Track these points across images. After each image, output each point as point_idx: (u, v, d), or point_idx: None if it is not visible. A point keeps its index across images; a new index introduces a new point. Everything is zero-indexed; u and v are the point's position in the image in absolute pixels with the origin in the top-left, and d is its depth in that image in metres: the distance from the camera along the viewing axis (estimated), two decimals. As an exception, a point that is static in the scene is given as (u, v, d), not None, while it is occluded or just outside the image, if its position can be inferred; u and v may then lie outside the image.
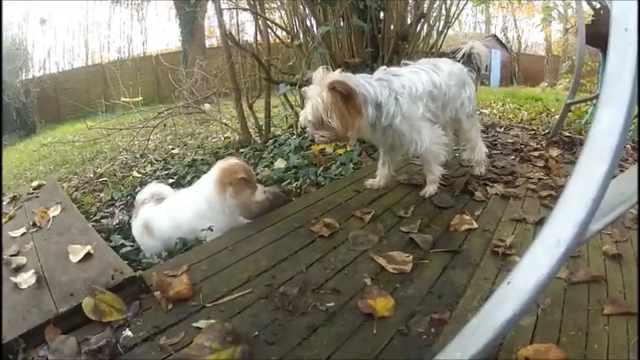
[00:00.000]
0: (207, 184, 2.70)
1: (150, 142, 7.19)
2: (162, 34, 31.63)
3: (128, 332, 1.68)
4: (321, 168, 3.93)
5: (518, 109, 9.60)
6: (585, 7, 6.03)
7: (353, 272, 2.10)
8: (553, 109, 8.92)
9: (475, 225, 2.62)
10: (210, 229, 2.60)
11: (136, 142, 7.45)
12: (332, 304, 1.85)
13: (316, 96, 2.62)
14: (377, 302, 1.83)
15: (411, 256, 2.20)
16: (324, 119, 2.62)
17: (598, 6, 5.86)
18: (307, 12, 4.92)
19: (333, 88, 2.57)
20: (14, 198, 3.66)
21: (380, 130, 2.87)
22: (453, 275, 2.10)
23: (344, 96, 2.59)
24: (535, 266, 1.05)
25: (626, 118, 0.98)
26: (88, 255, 2.23)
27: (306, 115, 2.69)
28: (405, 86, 2.86)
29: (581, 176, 1.03)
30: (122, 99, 10.94)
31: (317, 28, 4.63)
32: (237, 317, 1.77)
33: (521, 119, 7.79)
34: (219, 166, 2.73)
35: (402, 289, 1.98)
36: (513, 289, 1.07)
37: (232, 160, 2.81)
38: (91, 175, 6.36)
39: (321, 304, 1.85)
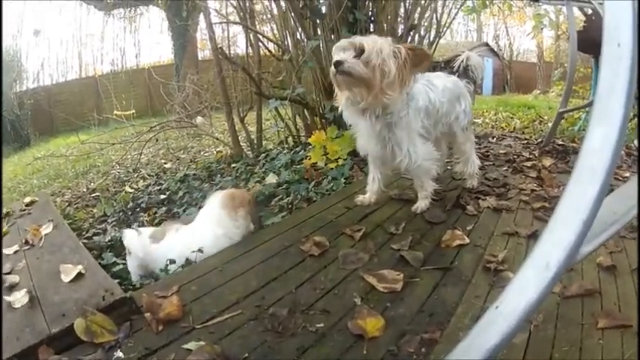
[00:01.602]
0: (214, 211, 2.79)
1: (142, 156, 7.20)
2: (155, 46, 31.66)
3: (119, 353, 1.66)
4: (313, 183, 3.92)
5: (511, 117, 9.62)
6: (576, 12, 6.05)
7: (343, 292, 2.08)
8: (546, 117, 8.95)
9: (467, 240, 2.60)
10: (200, 250, 2.60)
11: (129, 157, 7.45)
12: (322, 324, 1.83)
13: (388, 43, 2.57)
14: (367, 322, 1.81)
15: (402, 274, 2.18)
16: (380, 61, 2.52)
17: (589, 12, 5.87)
18: (297, 25, 4.91)
19: (417, 50, 2.64)
20: (7, 214, 3.66)
21: (379, 126, 2.83)
22: (444, 293, 2.08)
23: (413, 64, 2.60)
24: (524, 290, 1.03)
25: (619, 137, 0.96)
26: (79, 275, 2.23)
27: (359, 41, 2.57)
28: (414, 96, 2.87)
29: (572, 197, 1.01)
30: (115, 112, 10.95)
31: (307, 42, 4.63)
32: (226, 339, 1.76)
33: (514, 128, 7.80)
34: (224, 193, 2.89)
35: (393, 308, 1.96)
36: (501, 314, 1.05)
37: (232, 189, 3.05)
38: (84, 190, 6.36)
39: (310, 325, 1.83)
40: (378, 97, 2.60)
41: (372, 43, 2.54)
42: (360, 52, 2.53)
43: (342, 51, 2.59)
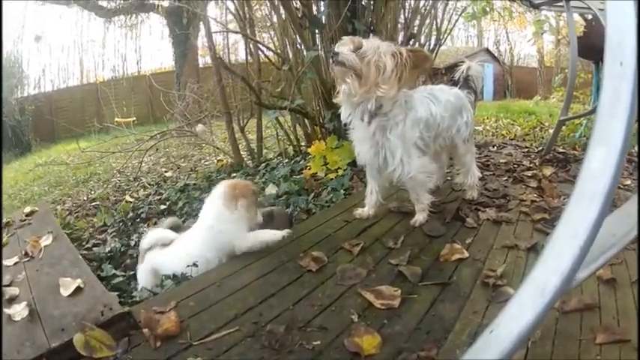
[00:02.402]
0: (213, 203, 2.76)
1: (143, 164, 7.20)
2: (157, 52, 31.66)
3: (118, 368, 1.66)
4: (312, 195, 3.91)
5: (512, 124, 9.61)
6: (577, 17, 6.05)
7: (340, 308, 2.07)
8: (547, 124, 8.96)
9: (466, 254, 2.59)
10: (195, 264, 2.59)
11: (130, 165, 7.47)
12: (318, 342, 1.83)
13: (387, 44, 2.68)
14: (363, 340, 1.80)
15: (400, 290, 2.17)
16: (376, 57, 2.63)
17: (590, 17, 5.87)
18: (296, 35, 4.92)
19: (418, 53, 2.72)
20: (7, 224, 3.65)
21: (372, 130, 2.85)
22: (442, 309, 2.07)
23: (412, 65, 2.66)
24: (519, 315, 1.02)
25: (619, 159, 0.94)
26: (78, 289, 2.22)
27: (359, 39, 2.71)
28: (414, 107, 2.89)
29: (570, 222, 1.00)
30: (116, 119, 10.95)
31: (306, 53, 4.63)
32: (223, 356, 1.75)
33: (515, 135, 7.79)
34: (225, 183, 2.84)
35: (390, 325, 1.95)
36: (496, 338, 1.05)
37: (236, 180, 2.89)
38: (85, 199, 6.37)
39: (307, 342, 1.82)
40: (371, 90, 2.67)
41: (371, 41, 2.68)
42: (357, 47, 2.64)
43: (341, 45, 2.70)
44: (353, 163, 4.04)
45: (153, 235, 2.99)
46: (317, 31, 4.71)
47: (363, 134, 2.93)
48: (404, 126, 2.83)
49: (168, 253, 2.80)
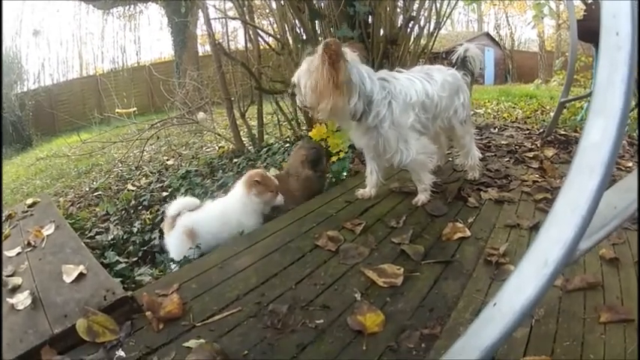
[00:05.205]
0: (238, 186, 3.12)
1: (145, 153, 7.19)
2: (156, 43, 31.64)
3: (121, 352, 1.67)
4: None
5: (513, 107, 9.57)
6: (577, 1, 6.01)
7: (343, 287, 2.07)
8: (548, 107, 8.92)
9: (468, 233, 2.58)
10: (198, 246, 2.62)
11: (131, 154, 7.45)
12: (321, 321, 1.83)
13: (307, 60, 2.66)
14: (366, 318, 1.81)
15: (402, 269, 2.17)
16: (302, 82, 2.66)
17: (590, 0, 5.84)
18: (296, 20, 4.89)
19: (326, 46, 2.54)
20: (10, 216, 3.64)
21: (364, 128, 2.84)
22: (444, 287, 2.07)
23: (331, 62, 2.54)
24: (522, 287, 1.02)
25: (619, 129, 0.94)
26: (80, 275, 2.21)
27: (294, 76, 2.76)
28: (401, 92, 2.83)
29: (571, 192, 1.00)
30: (117, 110, 10.92)
31: (306, 38, 4.61)
32: (226, 336, 1.76)
33: (516, 118, 7.75)
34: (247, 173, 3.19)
35: (393, 303, 1.95)
36: (499, 311, 1.04)
37: (255, 170, 3.23)
38: (87, 189, 6.36)
39: (310, 321, 1.83)
40: (326, 102, 2.64)
41: (299, 72, 2.74)
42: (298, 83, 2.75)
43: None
44: (354, 145, 4.03)
45: (178, 202, 3.06)
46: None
47: (357, 133, 2.96)
48: (392, 114, 2.79)
49: (206, 217, 2.94)
